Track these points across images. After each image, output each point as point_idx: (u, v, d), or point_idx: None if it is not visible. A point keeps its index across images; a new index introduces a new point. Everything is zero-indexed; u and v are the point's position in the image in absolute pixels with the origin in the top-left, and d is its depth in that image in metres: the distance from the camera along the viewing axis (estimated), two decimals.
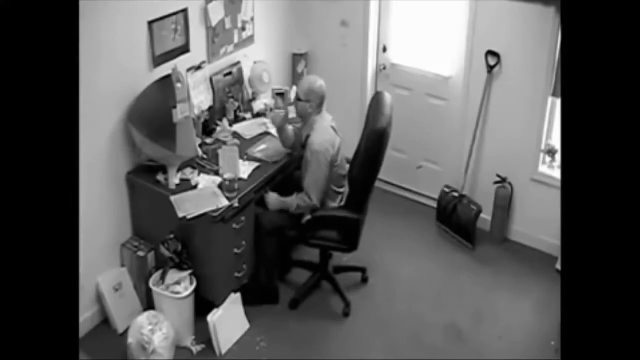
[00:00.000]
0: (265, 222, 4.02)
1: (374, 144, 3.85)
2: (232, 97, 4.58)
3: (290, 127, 4.18)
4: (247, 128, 4.52)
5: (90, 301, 3.91)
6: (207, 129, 4.39)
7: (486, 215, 4.79)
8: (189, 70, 4.14)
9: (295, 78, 5.16)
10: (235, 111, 4.60)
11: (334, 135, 3.99)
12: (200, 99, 4.26)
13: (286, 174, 4.25)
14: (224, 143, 4.24)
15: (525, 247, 4.79)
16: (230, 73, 4.56)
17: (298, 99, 4.00)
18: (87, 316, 3.89)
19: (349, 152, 4.07)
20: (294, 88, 4.77)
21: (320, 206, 3.97)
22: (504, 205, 4.72)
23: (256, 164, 4.13)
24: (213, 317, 3.80)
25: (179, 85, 3.68)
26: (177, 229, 3.79)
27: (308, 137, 3.95)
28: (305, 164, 3.95)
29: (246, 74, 4.69)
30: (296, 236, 4.07)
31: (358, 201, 3.97)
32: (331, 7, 5.00)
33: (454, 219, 4.84)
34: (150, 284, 3.85)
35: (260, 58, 4.75)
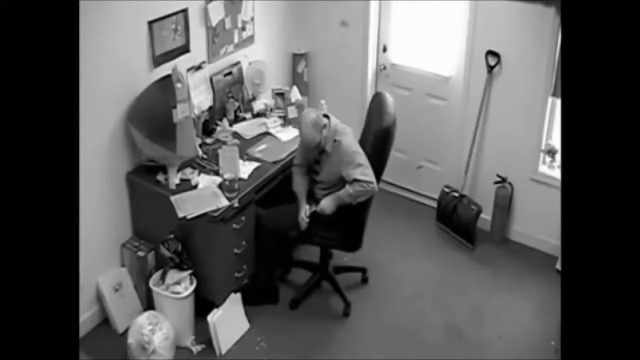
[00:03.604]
0: (266, 222, 4.02)
1: (381, 142, 3.85)
2: (232, 97, 4.58)
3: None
4: (247, 128, 4.52)
5: (90, 301, 3.91)
6: (207, 129, 4.39)
7: (486, 215, 4.79)
8: (189, 70, 4.14)
9: (296, 78, 5.16)
10: (235, 111, 4.60)
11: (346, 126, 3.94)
12: (200, 99, 4.26)
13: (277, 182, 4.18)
14: (224, 143, 4.24)
15: (525, 247, 4.79)
16: (230, 73, 4.56)
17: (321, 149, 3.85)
18: (87, 316, 3.89)
19: None
20: (294, 88, 4.78)
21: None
22: (504, 205, 4.72)
23: (256, 164, 4.13)
24: (213, 317, 3.80)
25: (179, 85, 3.68)
26: (177, 229, 3.79)
27: (335, 141, 3.81)
28: (345, 162, 3.78)
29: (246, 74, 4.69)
30: (297, 236, 4.06)
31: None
32: (331, 7, 5.00)
33: (454, 219, 4.83)
34: (150, 284, 3.85)
35: (260, 58, 4.74)
